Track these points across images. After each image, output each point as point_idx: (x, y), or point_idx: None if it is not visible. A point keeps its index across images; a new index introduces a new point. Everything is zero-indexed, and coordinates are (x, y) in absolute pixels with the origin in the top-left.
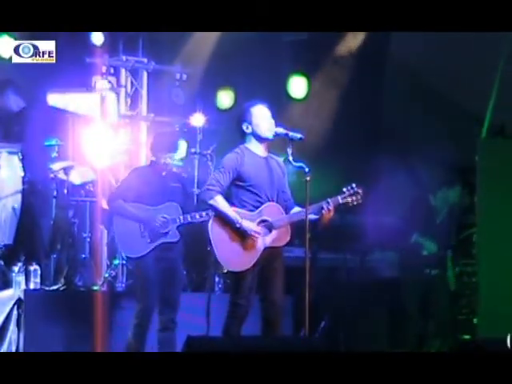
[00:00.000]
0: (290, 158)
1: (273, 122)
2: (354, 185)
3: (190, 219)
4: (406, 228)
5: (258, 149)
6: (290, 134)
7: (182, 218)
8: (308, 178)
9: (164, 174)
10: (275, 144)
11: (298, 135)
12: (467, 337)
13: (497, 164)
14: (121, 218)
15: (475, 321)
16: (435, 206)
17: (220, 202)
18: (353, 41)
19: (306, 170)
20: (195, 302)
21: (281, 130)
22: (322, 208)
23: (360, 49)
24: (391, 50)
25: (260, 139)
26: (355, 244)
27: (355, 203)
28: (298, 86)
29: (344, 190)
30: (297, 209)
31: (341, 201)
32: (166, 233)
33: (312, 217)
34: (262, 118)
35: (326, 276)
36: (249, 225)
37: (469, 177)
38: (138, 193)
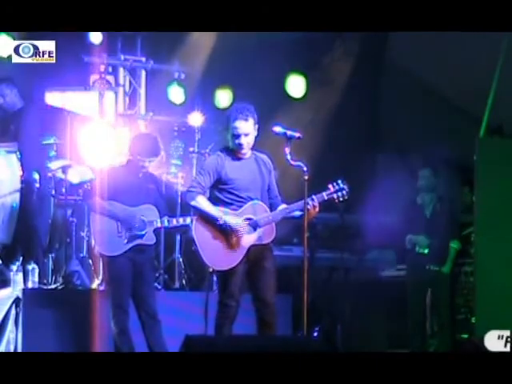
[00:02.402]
0: (289, 157)
1: (236, 130)
2: (339, 181)
3: (167, 223)
4: (401, 227)
5: (238, 152)
6: (289, 133)
7: (159, 221)
8: (306, 177)
9: (140, 175)
10: (275, 143)
11: (297, 134)
12: (465, 336)
13: (495, 163)
14: (98, 215)
15: (473, 320)
16: (423, 203)
17: (201, 201)
18: (352, 40)
19: (305, 169)
20: (193, 301)
21: (279, 129)
22: (307, 204)
23: (359, 48)
24: (391, 49)
25: (236, 146)
26: (354, 243)
27: (341, 199)
28: (296, 85)
29: (329, 186)
30: (283, 206)
31: (326, 197)
32: (143, 235)
33: (297, 213)
34: (230, 130)
35: (324, 275)
36: (232, 220)
37: (467, 176)
38: (115, 191)
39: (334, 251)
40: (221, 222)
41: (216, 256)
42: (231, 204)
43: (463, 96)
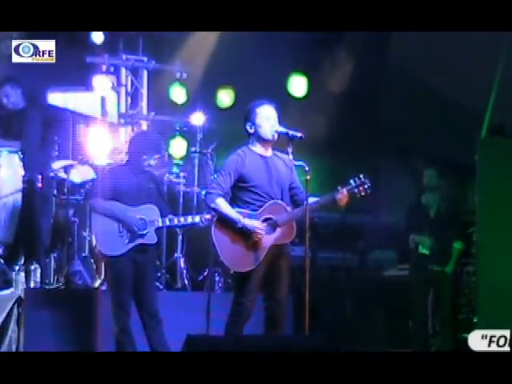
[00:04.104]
0: (291, 157)
1: (276, 123)
2: (361, 175)
3: (168, 223)
4: (403, 227)
5: (261, 149)
6: (290, 132)
7: (160, 221)
8: (308, 177)
9: (140, 174)
10: (277, 143)
11: (298, 134)
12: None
13: (497, 163)
14: (99, 215)
15: (475, 319)
16: (427, 203)
17: (221, 203)
18: (353, 40)
19: (306, 168)
20: (195, 302)
21: (281, 129)
22: (335, 196)
23: (360, 48)
24: (391, 49)
25: (262, 140)
26: (355, 243)
27: (363, 194)
28: (298, 85)
29: (351, 181)
30: (309, 200)
31: (346, 192)
32: (144, 234)
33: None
34: (265, 119)
35: (325, 275)
36: (251, 223)
37: (469, 176)
38: (115, 191)
39: (336, 251)
40: (240, 225)
41: (235, 258)
42: (252, 203)
43: (464, 96)
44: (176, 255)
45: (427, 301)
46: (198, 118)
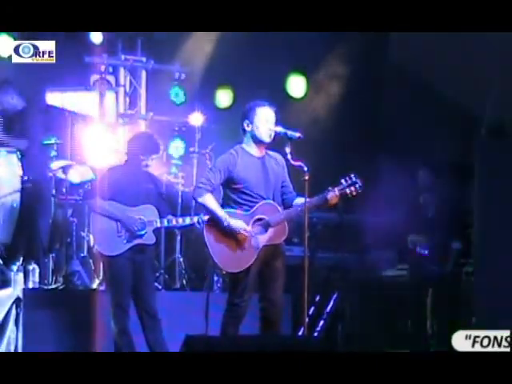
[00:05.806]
0: (289, 157)
1: (273, 125)
2: (352, 175)
3: (166, 223)
4: (402, 227)
5: (255, 149)
6: (289, 133)
7: (158, 221)
8: (307, 177)
9: (138, 175)
10: (275, 143)
11: (297, 134)
12: None
13: (495, 164)
14: (98, 215)
15: (473, 320)
16: (424, 203)
17: (209, 200)
18: (353, 40)
19: (305, 169)
20: (194, 301)
21: (279, 129)
22: (326, 196)
23: (360, 48)
24: (391, 49)
25: (258, 141)
26: (354, 243)
27: (354, 194)
28: (296, 85)
29: (342, 181)
30: (298, 200)
31: (337, 192)
32: (143, 235)
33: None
34: (264, 120)
35: (324, 275)
36: (237, 223)
37: (467, 176)
38: (114, 191)
39: (335, 251)
40: (225, 224)
41: (227, 258)
42: (244, 204)
43: (464, 96)
44: (175, 255)
45: (426, 301)
46: (196, 119)
